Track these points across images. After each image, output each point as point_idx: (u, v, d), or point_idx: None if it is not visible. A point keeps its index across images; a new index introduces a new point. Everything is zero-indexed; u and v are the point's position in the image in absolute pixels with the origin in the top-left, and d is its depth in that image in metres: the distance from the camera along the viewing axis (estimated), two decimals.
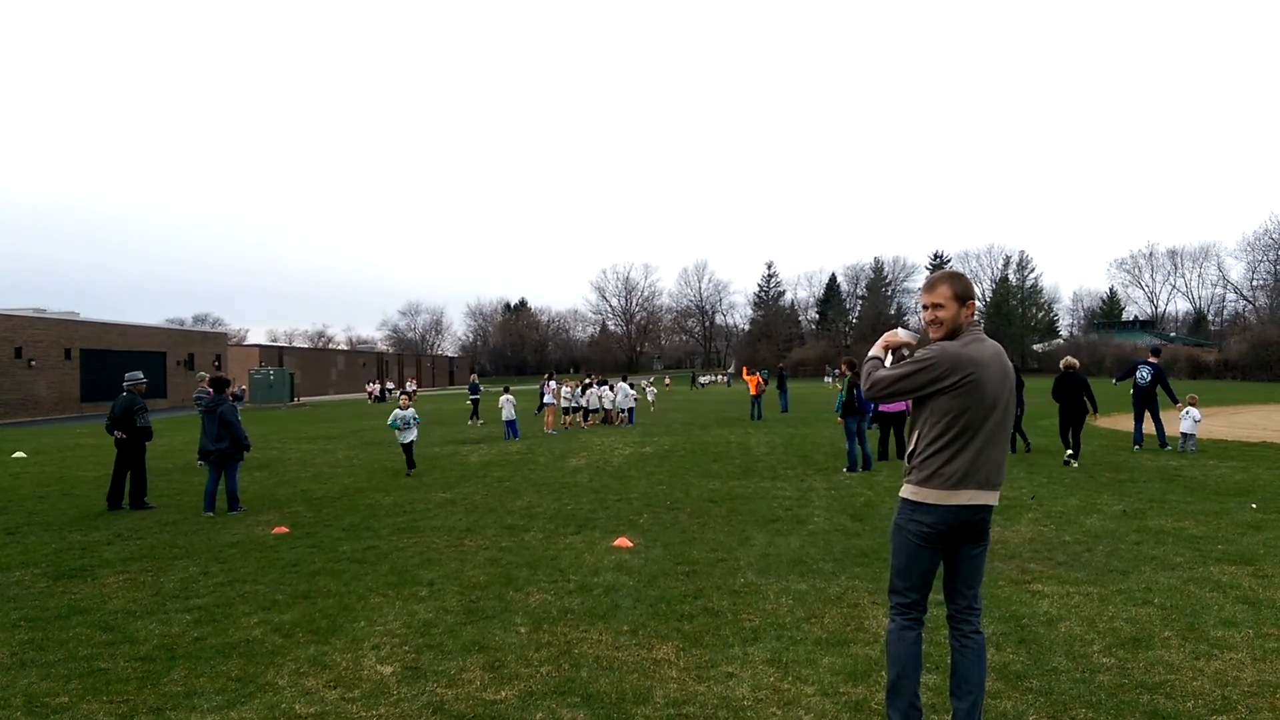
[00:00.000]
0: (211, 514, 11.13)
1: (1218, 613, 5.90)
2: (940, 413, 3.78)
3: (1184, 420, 16.39)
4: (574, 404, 27.69)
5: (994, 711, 4.35)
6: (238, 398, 17.09)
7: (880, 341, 4.15)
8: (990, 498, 3.83)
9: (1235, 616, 5.81)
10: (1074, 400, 15.04)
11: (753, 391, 30.21)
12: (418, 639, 5.73)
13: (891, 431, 16.07)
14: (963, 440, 3.75)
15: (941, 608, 4.09)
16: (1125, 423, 21.16)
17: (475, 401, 32.79)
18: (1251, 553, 7.68)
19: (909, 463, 3.92)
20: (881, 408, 15.33)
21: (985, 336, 3.88)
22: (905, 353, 4.08)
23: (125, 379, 12.45)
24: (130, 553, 8.83)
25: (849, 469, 14.27)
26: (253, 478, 14.68)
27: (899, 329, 4.17)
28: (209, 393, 13.38)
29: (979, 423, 3.75)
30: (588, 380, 32.20)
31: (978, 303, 4.02)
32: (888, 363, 4.03)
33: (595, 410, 28.40)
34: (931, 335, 3.92)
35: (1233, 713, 4.27)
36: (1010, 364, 3.91)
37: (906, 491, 3.90)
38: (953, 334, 3.84)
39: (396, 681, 4.97)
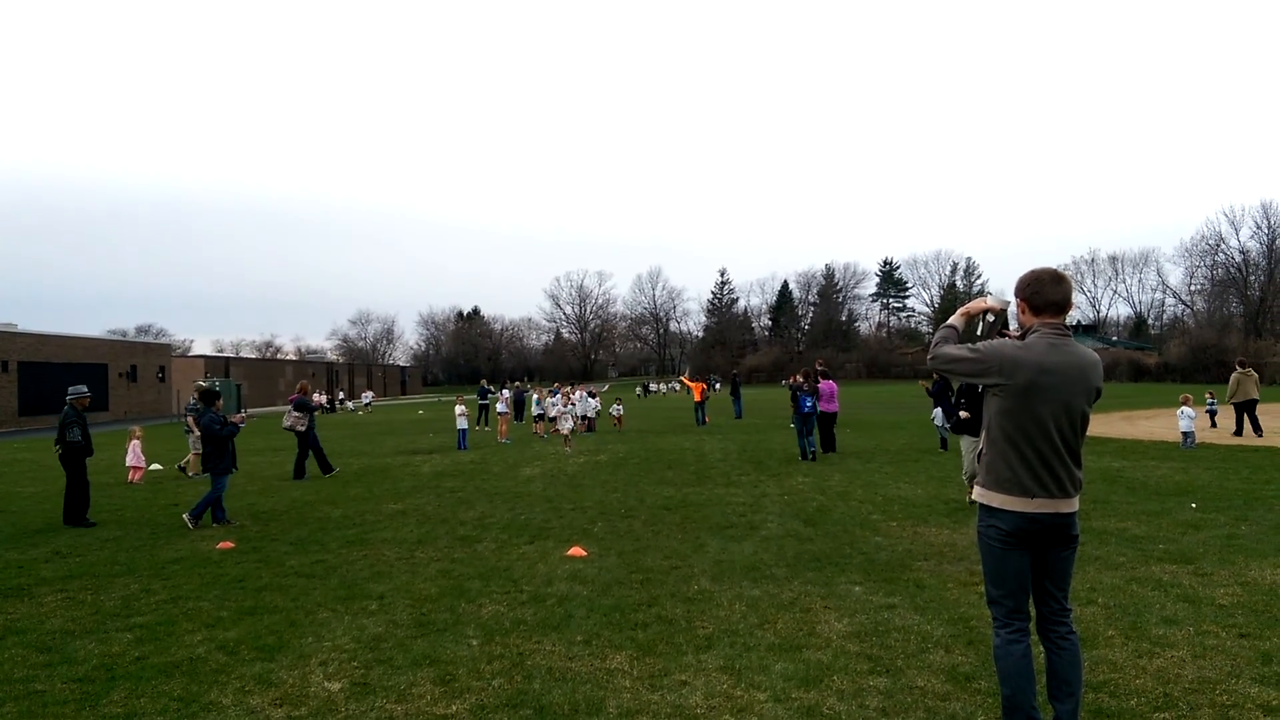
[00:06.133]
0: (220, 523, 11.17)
1: (1159, 611, 6.03)
2: (992, 412, 3.82)
3: (1181, 419, 17.34)
4: (541, 410, 27.79)
5: (943, 713, 4.39)
6: (311, 409, 16.81)
7: (961, 310, 4.13)
8: (1065, 505, 3.74)
9: (1176, 615, 5.94)
10: (949, 395, 18.17)
11: (697, 398, 30.86)
12: (367, 654, 5.64)
13: (820, 430, 18.54)
14: (1019, 445, 3.73)
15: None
16: None
17: (484, 407, 32.63)
18: (1191, 552, 7.87)
19: (977, 462, 3.93)
20: (821, 408, 18.19)
21: (1062, 340, 3.78)
22: (990, 318, 4.08)
23: (69, 392, 12.11)
24: (69, 570, 8.58)
25: (801, 458, 17.03)
26: (198, 491, 14.36)
27: (987, 294, 4.15)
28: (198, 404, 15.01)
29: (1035, 428, 3.71)
30: (556, 387, 32.32)
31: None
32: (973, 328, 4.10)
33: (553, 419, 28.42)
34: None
35: (1174, 710, 4.36)
36: (1091, 374, 3.80)
37: (978, 494, 3.89)
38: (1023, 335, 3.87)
39: (345, 698, 4.88)
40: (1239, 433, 20.04)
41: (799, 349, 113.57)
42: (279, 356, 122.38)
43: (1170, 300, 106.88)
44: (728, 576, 7.46)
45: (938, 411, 18.34)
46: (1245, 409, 20.40)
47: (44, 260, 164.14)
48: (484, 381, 35.81)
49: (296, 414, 16.71)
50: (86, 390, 12.35)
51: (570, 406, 22.02)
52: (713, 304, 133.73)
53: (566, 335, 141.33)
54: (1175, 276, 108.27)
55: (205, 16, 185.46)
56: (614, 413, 30.26)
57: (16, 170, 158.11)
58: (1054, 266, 4.04)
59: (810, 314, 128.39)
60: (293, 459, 17.10)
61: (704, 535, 9.42)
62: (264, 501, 13.34)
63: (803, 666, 5.12)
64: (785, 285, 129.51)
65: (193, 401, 17.48)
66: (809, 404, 17.51)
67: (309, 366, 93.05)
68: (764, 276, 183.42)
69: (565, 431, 21.19)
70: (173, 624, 6.49)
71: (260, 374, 78.50)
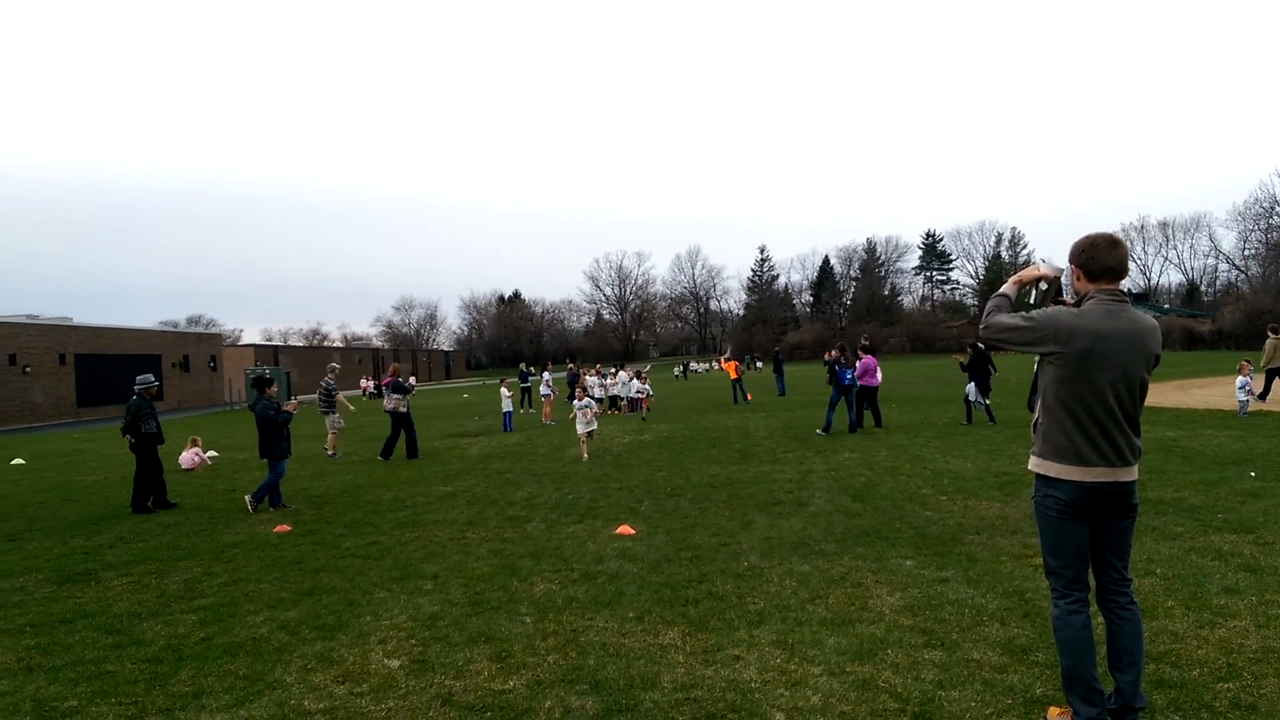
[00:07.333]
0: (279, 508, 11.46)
1: (1220, 581, 5.92)
2: (1048, 381, 3.76)
3: (1239, 389, 17.48)
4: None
5: (1001, 685, 4.37)
6: (406, 390, 17.54)
7: (1013, 279, 4.06)
8: (1124, 474, 3.70)
9: (1238, 584, 5.83)
10: (983, 369, 18.48)
11: (733, 376, 31.10)
12: (424, 632, 5.74)
13: (866, 404, 18.52)
14: (1076, 414, 3.68)
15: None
16: None
17: (526, 390, 32.95)
18: (1251, 520, 7.71)
19: (1033, 432, 3.87)
20: (861, 383, 18.16)
21: (1119, 307, 3.71)
22: (1044, 286, 3.99)
23: (136, 382, 12.42)
24: (133, 555, 8.83)
25: (851, 429, 17.45)
26: (253, 477, 14.67)
27: (1039, 262, 4.07)
28: (334, 385, 18.69)
29: (1092, 396, 3.66)
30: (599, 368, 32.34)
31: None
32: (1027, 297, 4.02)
33: (600, 400, 28.38)
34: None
35: (1238, 680, 4.29)
36: (1149, 340, 3.73)
37: (1033, 463, 3.85)
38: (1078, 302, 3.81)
39: (405, 675, 4.98)
40: (1263, 397, 19.59)
41: (841, 325, 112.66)
42: (325, 344, 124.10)
43: (1223, 266, 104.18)
44: (777, 553, 7.47)
45: (971, 386, 18.39)
46: (1276, 374, 20.05)
47: (96, 255, 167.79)
48: (523, 365, 36.04)
49: (396, 396, 17.22)
50: (154, 379, 12.65)
51: (585, 401, 15.86)
52: (753, 281, 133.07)
53: (607, 316, 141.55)
54: (1228, 241, 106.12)
55: (256, 16, 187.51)
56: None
57: (73, 172, 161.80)
58: (1107, 231, 3.95)
59: (852, 289, 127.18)
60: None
61: (751, 512, 9.43)
62: (317, 485, 13.58)
63: (856, 641, 5.12)
64: (826, 261, 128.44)
65: (331, 384, 19.10)
66: (849, 377, 17.90)
67: (355, 353, 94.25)
68: (804, 252, 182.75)
69: (582, 434, 15.60)
70: (235, 605, 6.66)
71: (308, 361, 79.66)
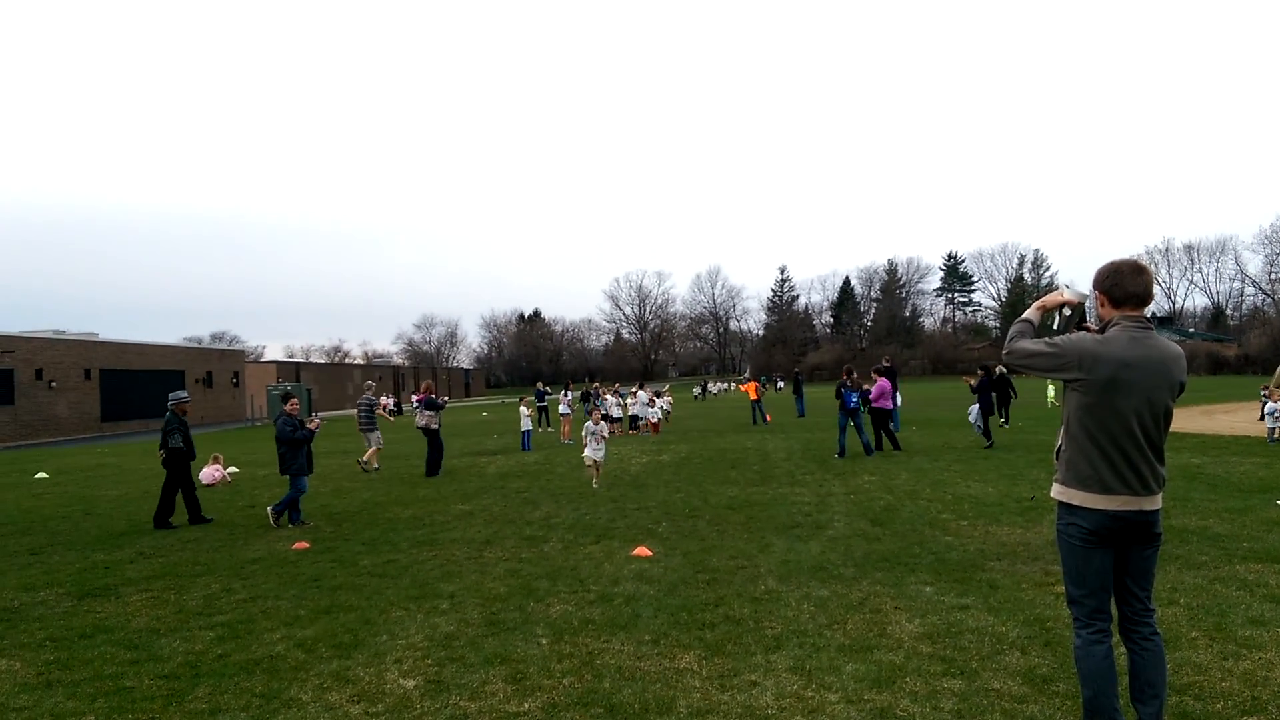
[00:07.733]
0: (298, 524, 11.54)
1: (1245, 611, 5.83)
2: (1072, 407, 3.75)
3: (1269, 415, 17.60)
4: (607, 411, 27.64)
5: (1021, 716, 4.31)
6: (439, 406, 17.49)
7: (1037, 304, 4.06)
8: (1148, 502, 3.67)
9: (1263, 615, 5.74)
10: (1003, 392, 19.68)
11: (753, 396, 31.10)
12: (440, 652, 5.74)
13: (880, 427, 18.44)
14: (1100, 441, 3.66)
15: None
16: None
17: (543, 408, 33.09)
18: (1277, 550, 7.59)
19: (1055, 459, 3.87)
20: (874, 404, 18.14)
21: (1143, 334, 3.70)
22: (1068, 312, 3.98)
23: (170, 398, 12.56)
24: (153, 571, 8.88)
25: (838, 455, 17.23)
26: (274, 494, 14.75)
27: (1063, 287, 4.06)
28: (374, 400, 19.07)
29: (1116, 423, 3.64)
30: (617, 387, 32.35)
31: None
32: (1054, 323, 4.01)
33: (618, 419, 28.33)
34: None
35: (1263, 714, 4.21)
36: (1174, 367, 3.70)
37: (1056, 491, 3.83)
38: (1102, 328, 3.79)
39: (420, 695, 4.98)
40: None
41: (862, 346, 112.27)
42: (347, 361, 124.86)
43: (1249, 289, 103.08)
44: (795, 576, 7.42)
45: (974, 409, 18.56)
46: None
47: (121, 274, 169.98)
48: (540, 384, 36.16)
49: (429, 413, 17.35)
50: (187, 396, 12.78)
51: (599, 425, 14.81)
52: (773, 302, 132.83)
53: (626, 336, 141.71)
54: (1254, 265, 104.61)
55: (278, 40, 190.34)
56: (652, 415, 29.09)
57: (101, 195, 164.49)
58: (1131, 257, 3.95)
59: (873, 310, 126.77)
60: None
61: (769, 535, 9.38)
62: (336, 503, 13.63)
63: (874, 668, 5.07)
64: (847, 281, 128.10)
65: (372, 399, 19.79)
66: (853, 400, 17.91)
67: (376, 370, 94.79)
68: (825, 273, 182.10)
69: (594, 460, 14.53)
70: (253, 622, 6.68)
71: (329, 378, 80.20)
